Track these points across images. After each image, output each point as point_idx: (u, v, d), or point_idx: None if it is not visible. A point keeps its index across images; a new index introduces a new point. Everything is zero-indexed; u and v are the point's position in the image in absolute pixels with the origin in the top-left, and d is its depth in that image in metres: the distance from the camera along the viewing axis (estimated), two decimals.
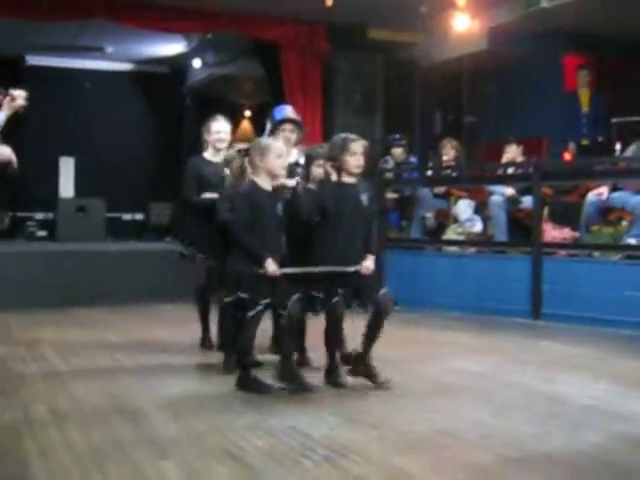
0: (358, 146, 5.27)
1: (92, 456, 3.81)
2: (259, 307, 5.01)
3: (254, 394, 5.06)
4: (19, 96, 5.33)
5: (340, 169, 5.27)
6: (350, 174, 5.29)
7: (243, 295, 5.02)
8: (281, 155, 5.18)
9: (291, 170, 5.95)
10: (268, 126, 6.62)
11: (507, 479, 3.55)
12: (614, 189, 8.90)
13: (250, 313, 5.01)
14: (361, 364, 5.44)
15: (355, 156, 5.24)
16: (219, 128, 6.78)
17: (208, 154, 6.79)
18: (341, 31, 12.13)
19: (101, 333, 7.87)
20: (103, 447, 3.94)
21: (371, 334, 5.40)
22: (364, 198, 5.33)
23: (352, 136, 5.37)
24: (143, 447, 3.95)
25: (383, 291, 5.37)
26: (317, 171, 5.69)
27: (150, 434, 4.20)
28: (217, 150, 6.67)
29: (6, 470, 3.64)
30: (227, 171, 6.04)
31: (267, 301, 5.05)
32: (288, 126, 6.48)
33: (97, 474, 3.55)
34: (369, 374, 5.39)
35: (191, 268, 6.86)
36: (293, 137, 6.46)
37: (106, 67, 15.79)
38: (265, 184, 5.16)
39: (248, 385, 5.16)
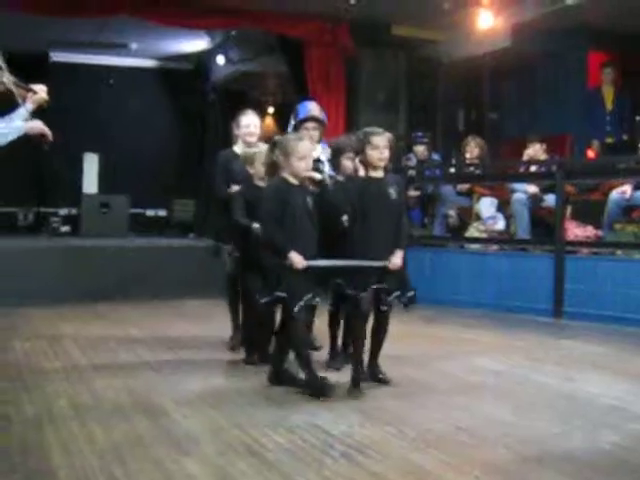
0: (381, 139, 5.22)
1: (113, 451, 3.84)
2: (301, 303, 4.95)
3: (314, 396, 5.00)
4: (40, 90, 5.38)
5: (366, 163, 5.26)
6: (375, 168, 5.26)
7: (281, 294, 4.98)
8: (304, 157, 5.15)
9: (314, 166, 5.94)
10: (292, 122, 6.64)
11: (526, 478, 3.56)
12: (638, 187, 8.86)
13: (294, 310, 4.96)
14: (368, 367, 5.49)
15: (378, 149, 5.20)
16: (249, 122, 6.82)
17: (238, 148, 6.84)
18: (365, 28, 12.12)
19: (123, 328, 7.90)
20: (124, 443, 3.98)
21: (375, 338, 5.50)
22: (392, 191, 5.29)
23: (375, 129, 5.34)
24: (164, 443, 3.99)
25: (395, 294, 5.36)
26: (347, 164, 5.75)
27: (171, 430, 4.24)
28: (247, 144, 6.68)
29: (28, 464, 3.68)
30: (250, 169, 6.07)
31: (309, 296, 5.00)
32: (311, 124, 6.49)
33: (119, 469, 3.58)
34: (376, 377, 5.47)
35: (218, 261, 6.91)
36: (316, 135, 6.47)
37: (130, 64, 15.86)
38: (293, 179, 5.17)
39: (312, 385, 5.07)
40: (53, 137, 5.24)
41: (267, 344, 5.95)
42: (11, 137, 5.06)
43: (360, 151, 5.28)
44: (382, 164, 5.25)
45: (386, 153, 5.23)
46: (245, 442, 3.99)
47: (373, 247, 5.18)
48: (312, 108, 6.70)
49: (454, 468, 3.64)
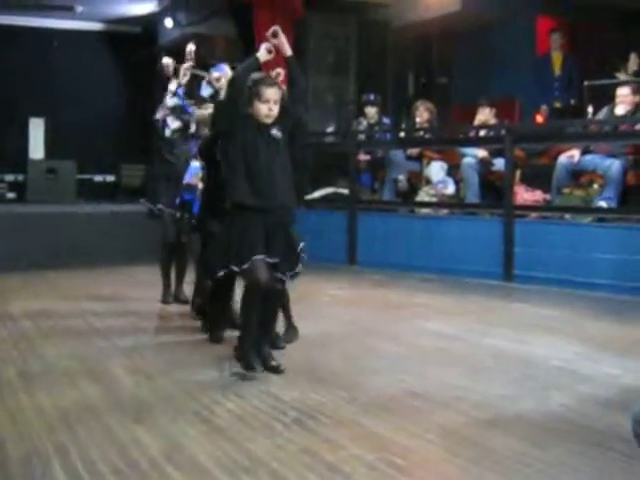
0: (272, 92, 4.66)
1: (63, 420, 3.80)
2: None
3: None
4: None
5: (252, 115, 4.70)
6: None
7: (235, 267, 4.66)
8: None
9: None
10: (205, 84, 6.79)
11: (478, 440, 3.57)
12: (585, 152, 8.92)
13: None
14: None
15: (267, 104, 4.63)
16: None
17: None
18: None
19: (74, 296, 7.80)
20: (74, 411, 3.94)
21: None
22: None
23: (267, 79, 4.80)
24: (115, 411, 3.95)
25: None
26: None
27: (121, 397, 4.20)
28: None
29: None
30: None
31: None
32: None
33: (68, 439, 3.54)
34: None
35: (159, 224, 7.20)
36: None
37: (76, 27, 15.53)
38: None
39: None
40: None
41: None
42: None
43: (247, 102, 4.69)
44: (269, 121, 4.68)
45: (275, 109, 4.68)
46: (195, 409, 3.97)
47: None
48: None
49: (407, 432, 3.65)
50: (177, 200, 6.95)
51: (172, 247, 7.25)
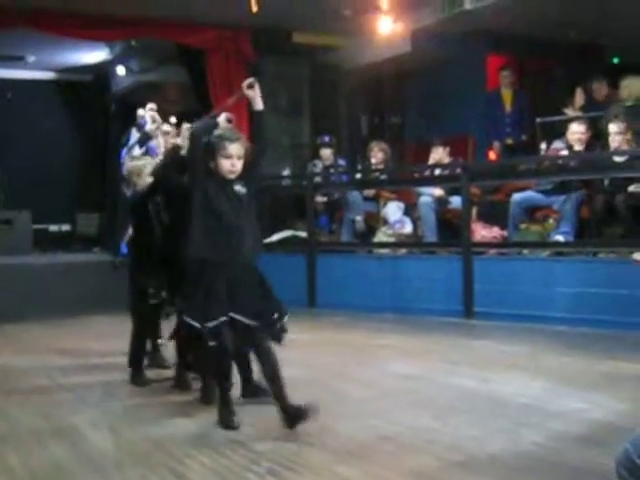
0: (235, 148, 4.60)
1: None
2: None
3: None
4: None
5: (215, 172, 4.64)
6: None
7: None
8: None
9: None
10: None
11: None
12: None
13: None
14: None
15: (230, 159, 4.57)
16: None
17: None
18: (266, 35, 12.10)
19: (34, 349, 7.73)
20: (43, 471, 3.88)
21: None
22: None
23: (231, 133, 4.72)
24: (84, 469, 3.90)
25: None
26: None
27: (90, 455, 4.14)
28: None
29: None
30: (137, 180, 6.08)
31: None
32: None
33: None
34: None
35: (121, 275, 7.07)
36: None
37: (28, 76, 15.46)
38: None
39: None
40: None
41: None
42: None
43: (210, 156, 4.62)
44: (232, 176, 4.61)
45: (239, 165, 4.62)
46: (168, 464, 3.92)
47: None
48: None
49: (381, 478, 3.65)
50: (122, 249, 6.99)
51: None
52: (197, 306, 4.59)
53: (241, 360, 5.14)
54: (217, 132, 4.71)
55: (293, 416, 4.41)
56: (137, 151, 6.92)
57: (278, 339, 4.69)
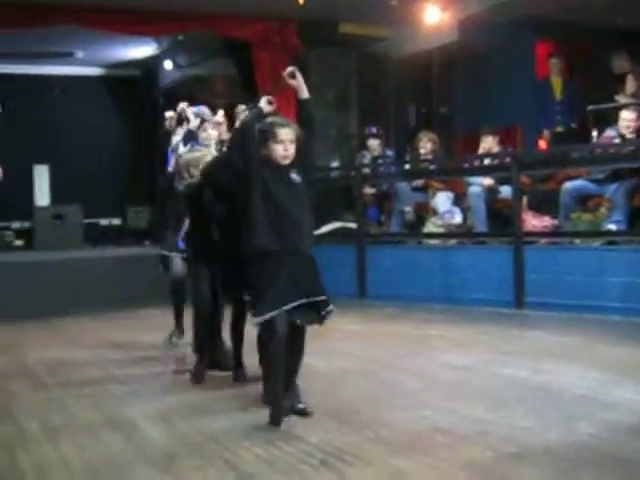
0: (286, 132, 4.63)
1: (89, 472, 3.79)
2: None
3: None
4: None
5: (268, 158, 4.67)
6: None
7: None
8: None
9: None
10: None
11: (507, 475, 3.56)
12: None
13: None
14: None
15: (282, 144, 4.60)
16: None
17: None
18: (313, 27, 12.08)
19: (86, 343, 7.81)
20: (99, 462, 3.92)
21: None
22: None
23: (281, 120, 4.76)
24: (139, 461, 3.93)
25: None
26: None
27: (145, 447, 4.18)
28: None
29: None
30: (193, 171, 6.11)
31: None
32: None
33: None
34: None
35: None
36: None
37: (77, 72, 15.64)
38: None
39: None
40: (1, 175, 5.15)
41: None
42: None
43: (262, 144, 4.67)
44: (286, 162, 4.65)
45: (291, 149, 4.64)
46: (222, 455, 3.94)
47: None
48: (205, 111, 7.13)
49: (436, 470, 3.63)
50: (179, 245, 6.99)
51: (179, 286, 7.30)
52: (257, 298, 4.60)
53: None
54: (266, 120, 4.73)
55: (289, 409, 4.56)
56: (182, 149, 6.91)
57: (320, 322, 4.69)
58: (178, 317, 7.37)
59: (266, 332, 4.53)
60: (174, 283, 7.35)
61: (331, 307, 4.64)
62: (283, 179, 4.63)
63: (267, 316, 4.46)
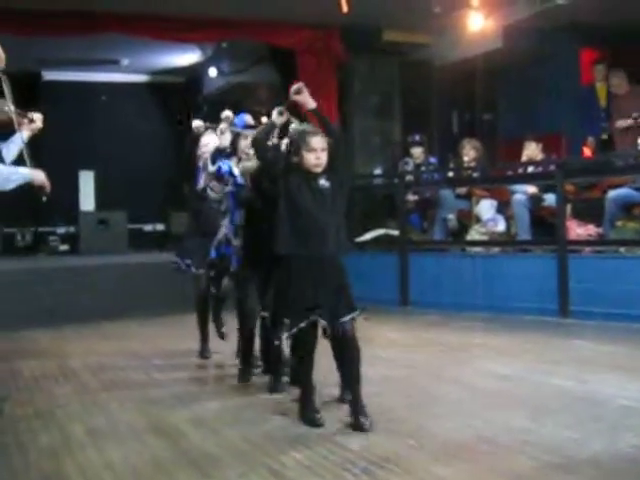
0: (318, 141, 4.67)
1: (133, 477, 3.82)
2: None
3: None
4: (37, 119, 5.43)
5: (300, 166, 4.72)
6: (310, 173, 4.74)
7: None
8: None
9: None
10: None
11: None
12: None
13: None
14: None
15: (314, 152, 4.65)
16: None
17: None
18: (356, 34, 12.09)
19: (130, 348, 7.87)
20: (143, 467, 3.96)
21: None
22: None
23: (312, 129, 4.86)
24: (184, 466, 3.96)
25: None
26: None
27: (189, 452, 4.21)
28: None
29: None
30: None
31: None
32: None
33: None
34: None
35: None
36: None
37: (122, 79, 15.84)
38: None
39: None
40: (50, 188, 5.21)
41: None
42: (16, 183, 5.05)
43: (294, 152, 4.75)
44: (318, 170, 4.68)
45: (324, 157, 4.67)
46: (265, 462, 3.96)
47: None
48: (248, 119, 6.92)
49: (479, 479, 3.62)
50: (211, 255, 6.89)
51: (205, 299, 7.25)
52: (283, 304, 4.67)
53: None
54: (297, 128, 4.79)
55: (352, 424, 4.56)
56: (211, 168, 6.74)
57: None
58: (203, 330, 7.23)
59: (297, 344, 4.66)
60: (200, 301, 7.26)
61: (356, 313, 4.65)
62: (310, 184, 4.67)
63: (294, 330, 4.56)
